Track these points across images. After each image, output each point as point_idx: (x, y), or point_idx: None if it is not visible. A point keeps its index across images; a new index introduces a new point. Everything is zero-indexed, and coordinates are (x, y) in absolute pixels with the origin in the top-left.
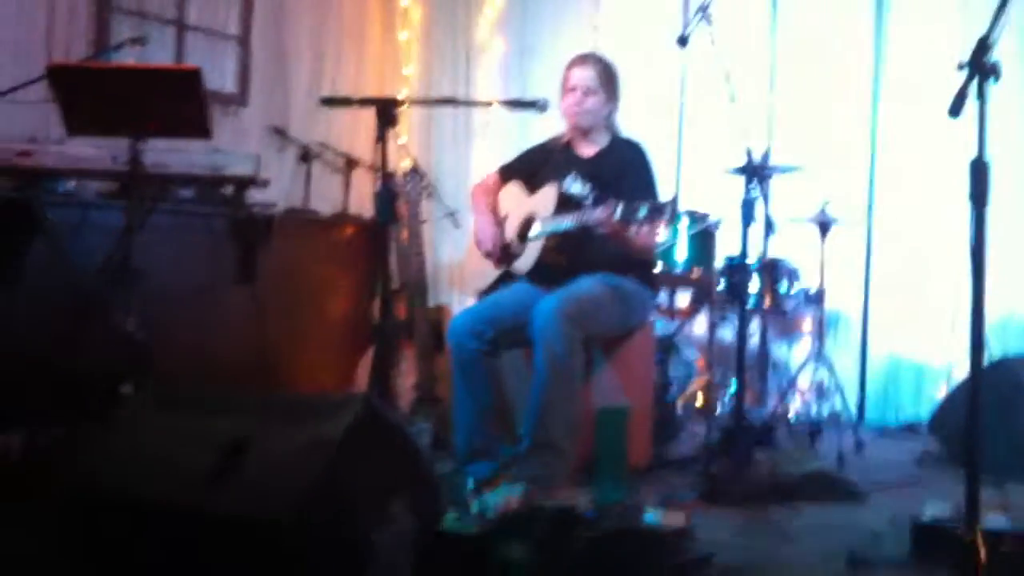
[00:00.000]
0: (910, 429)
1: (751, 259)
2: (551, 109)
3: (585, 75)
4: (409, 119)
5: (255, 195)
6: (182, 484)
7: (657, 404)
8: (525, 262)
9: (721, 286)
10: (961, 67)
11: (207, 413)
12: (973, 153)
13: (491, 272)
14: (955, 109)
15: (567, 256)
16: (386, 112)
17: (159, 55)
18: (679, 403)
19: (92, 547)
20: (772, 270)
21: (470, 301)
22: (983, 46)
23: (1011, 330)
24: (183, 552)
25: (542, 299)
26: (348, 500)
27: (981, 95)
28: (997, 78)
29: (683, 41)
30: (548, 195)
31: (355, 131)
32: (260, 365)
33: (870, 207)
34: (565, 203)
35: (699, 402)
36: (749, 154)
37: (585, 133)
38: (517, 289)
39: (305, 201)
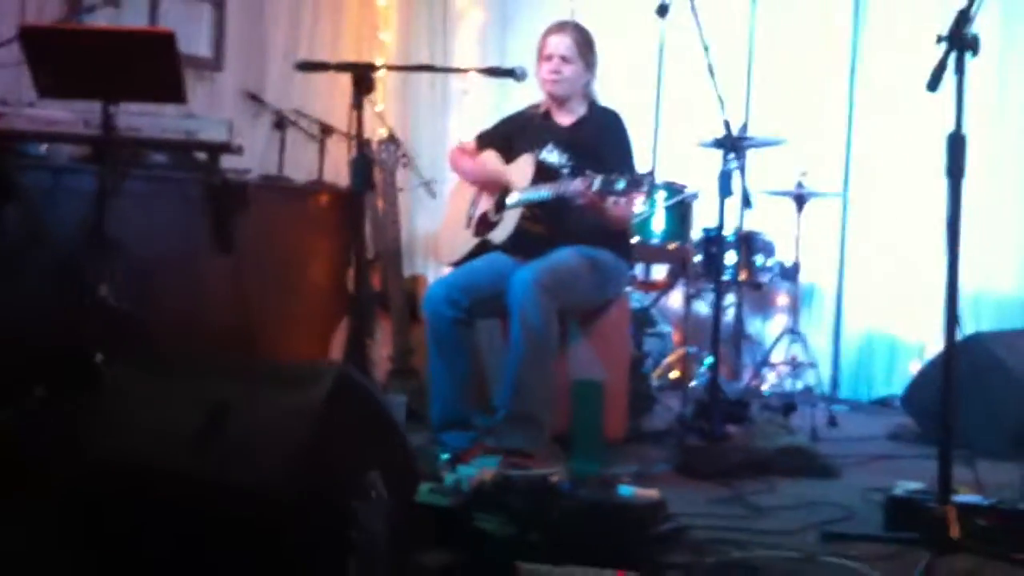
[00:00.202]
0: (883, 404)
1: (728, 232)
2: (529, 78)
3: (562, 43)
4: (386, 87)
5: (229, 162)
6: (164, 449)
7: (632, 377)
8: (502, 233)
9: (698, 258)
10: (940, 40)
11: (188, 378)
12: (950, 127)
13: (466, 243)
14: (933, 83)
15: (544, 226)
16: (362, 78)
17: (133, 18)
18: (654, 376)
19: (74, 514)
20: (748, 243)
21: (446, 271)
22: (962, 19)
23: (985, 306)
24: (164, 517)
25: (518, 269)
26: (329, 469)
27: (959, 69)
28: (976, 52)
29: (662, 11)
30: (525, 164)
31: (331, 97)
32: (234, 333)
33: (846, 181)
34: (542, 173)
35: (674, 375)
36: (727, 126)
37: (562, 102)
38: (493, 259)
39: (280, 168)
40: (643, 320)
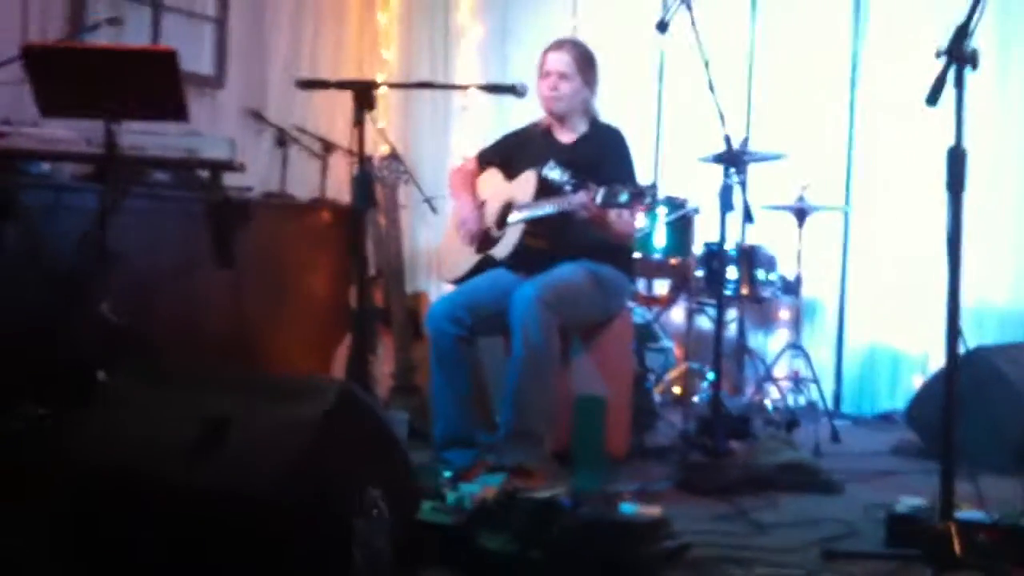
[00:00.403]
0: (886, 419)
1: (729, 246)
2: (529, 94)
3: (560, 60)
4: (387, 103)
5: (232, 179)
6: (166, 462)
7: (635, 393)
8: (504, 249)
9: (700, 273)
10: (939, 55)
11: (189, 391)
12: (950, 141)
13: (468, 260)
14: (932, 97)
15: (546, 242)
16: (363, 95)
17: (135, 36)
18: (656, 392)
19: (75, 525)
20: (750, 257)
21: (448, 288)
22: (961, 34)
23: (987, 318)
24: (165, 530)
25: (520, 286)
26: (328, 485)
27: (959, 83)
28: (975, 66)
29: (662, 27)
30: (527, 181)
31: (333, 115)
32: (236, 350)
33: (847, 195)
34: (544, 189)
35: (676, 391)
36: (728, 141)
37: (562, 119)
38: (496, 275)
39: (282, 185)
40: (645, 335)
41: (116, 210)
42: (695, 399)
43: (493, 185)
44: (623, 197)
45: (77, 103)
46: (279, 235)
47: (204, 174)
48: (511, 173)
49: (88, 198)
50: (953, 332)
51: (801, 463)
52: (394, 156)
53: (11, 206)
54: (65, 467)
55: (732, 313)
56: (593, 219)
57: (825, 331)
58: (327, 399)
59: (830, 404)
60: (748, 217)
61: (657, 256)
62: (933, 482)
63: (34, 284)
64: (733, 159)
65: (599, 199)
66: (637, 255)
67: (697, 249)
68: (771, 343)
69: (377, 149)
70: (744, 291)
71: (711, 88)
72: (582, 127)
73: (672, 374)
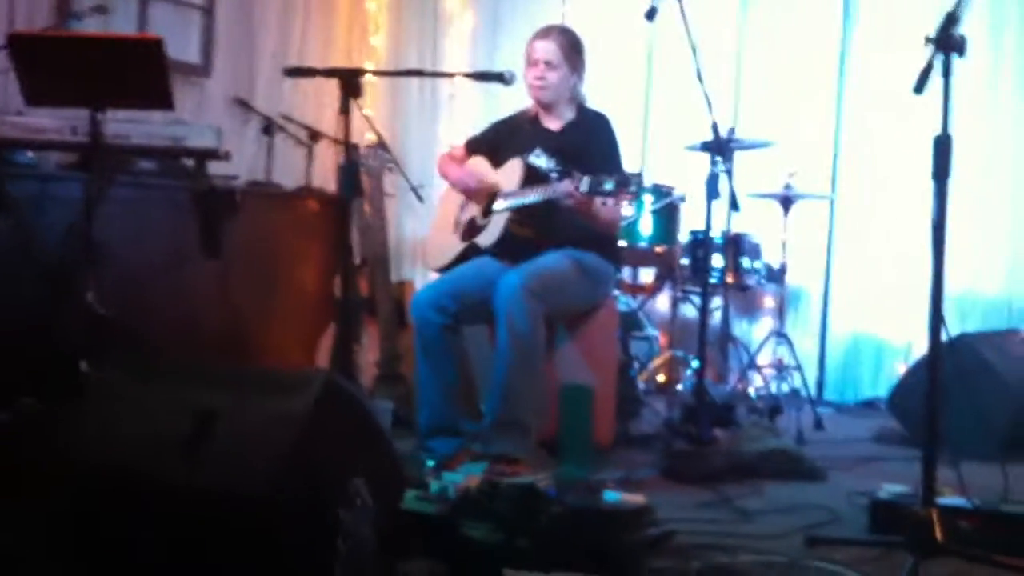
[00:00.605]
0: (869, 406)
1: (715, 234)
2: (517, 81)
3: (547, 48)
4: (375, 92)
5: (218, 167)
6: (152, 455)
7: (619, 381)
8: (489, 237)
9: (686, 261)
10: (927, 42)
11: (175, 384)
12: (937, 129)
13: (453, 248)
14: (919, 86)
15: (532, 230)
16: (350, 83)
17: (122, 24)
18: (641, 380)
19: (64, 519)
20: (735, 246)
21: (433, 276)
22: (949, 20)
23: (971, 306)
24: (153, 523)
25: (505, 274)
26: (316, 476)
27: (946, 71)
28: (962, 53)
29: (651, 14)
30: (513, 169)
31: (321, 103)
32: (222, 340)
33: (833, 183)
34: (530, 177)
35: (661, 379)
36: (715, 129)
37: (549, 106)
38: (481, 264)
39: (268, 174)
40: (630, 323)
41: (101, 199)
42: (679, 387)
43: (480, 172)
44: (608, 185)
45: (62, 92)
46: (265, 224)
47: (190, 163)
48: (498, 161)
49: (73, 187)
50: (936, 319)
51: (784, 450)
52: (381, 145)
53: None
54: (50, 461)
55: (717, 301)
56: (578, 207)
57: (809, 319)
58: (312, 391)
59: (813, 392)
60: (734, 205)
61: (643, 244)
62: (915, 469)
63: (20, 275)
64: (720, 147)
65: (584, 187)
66: (623, 243)
67: (683, 237)
68: (756, 331)
69: (364, 137)
70: (729, 279)
71: (699, 76)
72: (569, 114)
73: (656, 362)
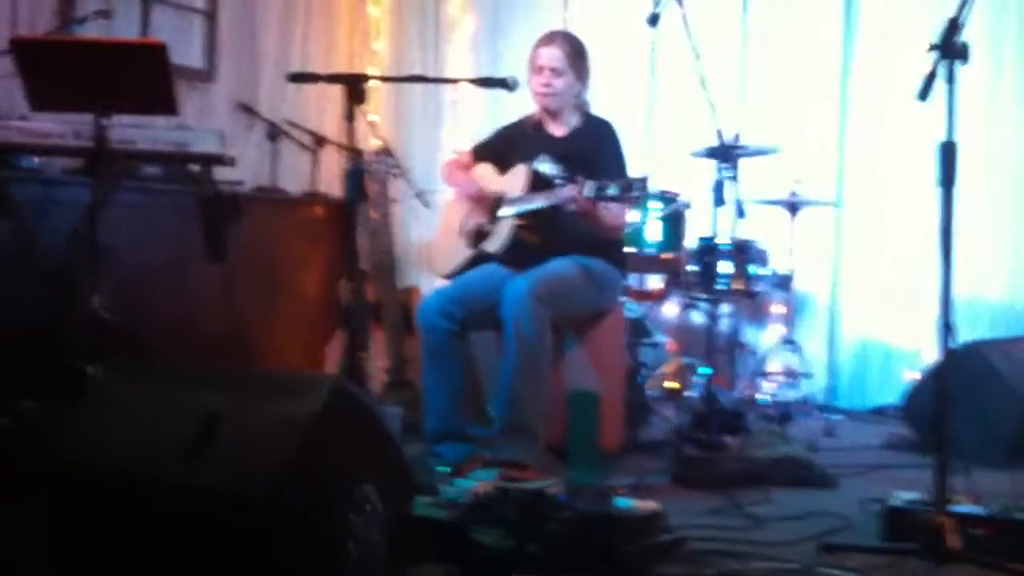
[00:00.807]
0: (879, 413)
1: (722, 241)
2: (522, 86)
3: (552, 55)
4: (379, 97)
5: (223, 172)
6: (158, 459)
7: (628, 387)
8: (495, 243)
9: (693, 268)
10: (931, 49)
11: (181, 387)
12: (942, 135)
13: (460, 254)
14: (923, 92)
15: (538, 236)
16: (354, 89)
17: (125, 29)
18: (650, 386)
19: (67, 523)
20: (742, 252)
21: (439, 282)
22: (952, 27)
23: (979, 313)
24: (159, 527)
25: (512, 280)
26: (322, 481)
27: (950, 78)
28: (966, 60)
29: (653, 20)
30: (519, 174)
31: (324, 108)
32: (228, 344)
33: (840, 189)
34: (536, 183)
35: (670, 385)
36: (720, 135)
37: (554, 113)
38: (487, 270)
39: (273, 179)
40: (638, 330)
41: (106, 204)
42: (688, 394)
43: (486, 179)
44: (612, 191)
45: (67, 97)
46: (270, 229)
47: (195, 168)
48: (503, 167)
49: (78, 192)
50: (945, 327)
51: (795, 457)
52: (386, 150)
53: (2, 201)
54: (57, 464)
55: (725, 308)
56: (582, 213)
57: (818, 326)
58: (321, 395)
59: (823, 399)
60: (740, 212)
61: (649, 251)
62: (927, 476)
63: (24, 279)
64: (725, 153)
65: (588, 192)
66: (630, 250)
67: (689, 244)
68: (764, 338)
69: (369, 143)
70: (737, 286)
71: (702, 83)
72: (574, 120)
73: (665, 368)
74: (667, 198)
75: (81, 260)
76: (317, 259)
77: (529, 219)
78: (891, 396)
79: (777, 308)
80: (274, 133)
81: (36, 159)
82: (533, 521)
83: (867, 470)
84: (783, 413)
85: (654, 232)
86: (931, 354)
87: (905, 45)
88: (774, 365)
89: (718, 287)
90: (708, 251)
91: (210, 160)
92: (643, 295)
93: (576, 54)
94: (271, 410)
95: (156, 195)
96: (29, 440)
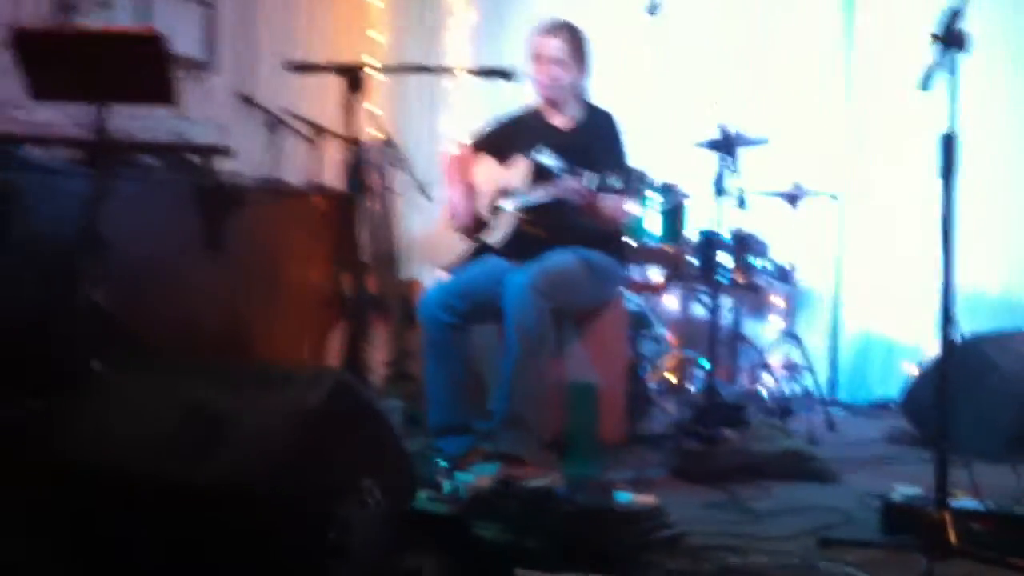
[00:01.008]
0: (880, 407)
1: (723, 233)
2: (520, 77)
3: (555, 45)
4: (377, 87)
5: (223, 163)
6: (158, 454)
7: (629, 380)
8: (497, 235)
9: (694, 260)
10: (933, 38)
11: (181, 381)
12: (944, 127)
13: (462, 246)
14: (925, 82)
15: (540, 229)
16: (353, 79)
17: (124, 18)
18: (651, 379)
19: (65, 517)
20: (744, 245)
21: (440, 275)
22: (953, 16)
23: (980, 306)
24: (160, 523)
25: (513, 273)
26: (325, 475)
27: (952, 68)
28: (967, 49)
29: (653, 9)
30: (521, 166)
31: (325, 98)
32: (228, 337)
33: (842, 182)
34: (538, 176)
35: (671, 378)
36: (723, 128)
37: (557, 104)
38: (489, 263)
39: (273, 170)
40: (639, 322)
41: (106, 195)
42: (689, 387)
43: (487, 171)
44: (613, 183)
45: (67, 87)
46: (270, 221)
47: (195, 159)
48: (505, 158)
49: (78, 183)
50: (946, 320)
51: (796, 451)
52: (387, 142)
53: (1, 191)
54: (54, 458)
55: (726, 301)
56: (584, 204)
57: (819, 319)
58: (323, 389)
59: (824, 392)
60: (741, 203)
61: (650, 243)
62: (927, 470)
63: (24, 271)
64: (727, 145)
65: (591, 184)
66: (631, 242)
67: (691, 235)
68: (765, 331)
69: (370, 134)
70: (738, 278)
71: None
72: (575, 111)
73: (666, 361)
74: (667, 190)
75: (82, 251)
76: (317, 251)
77: (533, 211)
78: (892, 390)
79: (778, 301)
80: (273, 123)
81: (36, 149)
82: (533, 516)
83: (867, 464)
84: (784, 407)
85: (654, 224)
86: (931, 348)
87: (909, 35)
88: (775, 358)
89: (718, 279)
90: (709, 243)
91: (209, 151)
92: (644, 287)
93: (577, 44)
94: (273, 404)
95: (156, 186)
96: (27, 436)
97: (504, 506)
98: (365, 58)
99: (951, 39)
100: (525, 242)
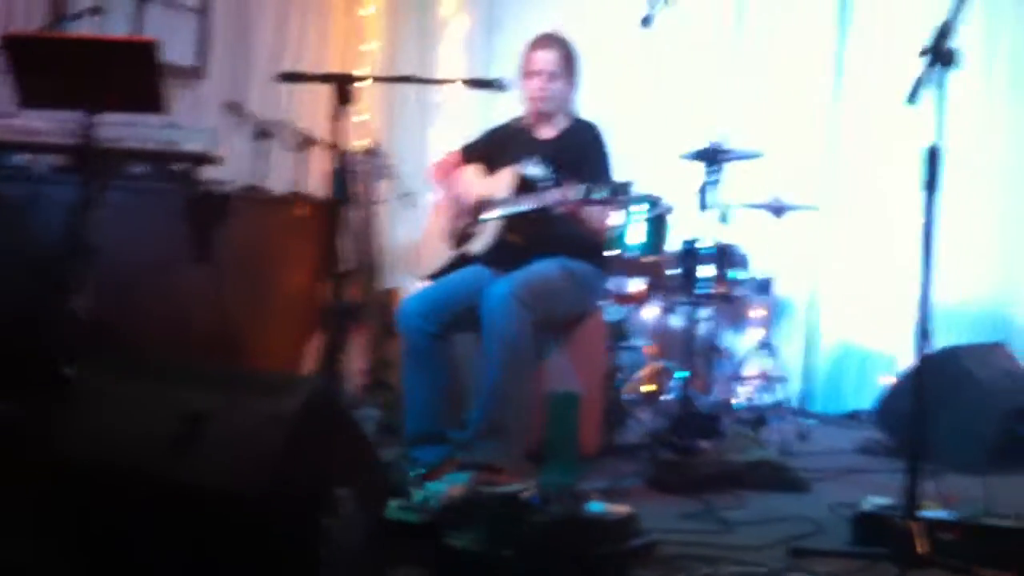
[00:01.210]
0: (852, 418)
1: (704, 245)
2: (510, 87)
3: (548, 59)
4: (370, 96)
5: (212, 172)
6: (144, 456)
7: (606, 390)
8: (481, 244)
9: (675, 271)
10: (923, 53)
11: (166, 384)
12: (928, 141)
13: (446, 255)
14: (912, 96)
15: (523, 238)
16: (343, 89)
17: (117, 25)
18: (627, 390)
19: (53, 517)
20: (724, 256)
21: (421, 284)
22: (944, 32)
23: (958, 319)
24: (146, 524)
25: (494, 282)
26: (298, 481)
27: (940, 83)
28: (957, 65)
29: (646, 21)
30: (506, 176)
31: (315, 107)
32: (213, 342)
33: (823, 195)
34: (524, 185)
35: (647, 389)
36: (714, 143)
37: (547, 116)
38: (470, 272)
39: (261, 179)
40: (617, 333)
41: (94, 202)
42: (665, 397)
43: (472, 179)
44: (599, 193)
45: (56, 94)
46: (255, 228)
47: (183, 166)
48: (492, 168)
49: (66, 190)
50: (923, 331)
51: (769, 461)
52: (373, 150)
53: None
54: (40, 462)
55: (704, 312)
56: (570, 213)
57: (796, 330)
58: (300, 395)
59: (798, 403)
60: (723, 219)
61: (632, 254)
62: (899, 481)
63: (11, 275)
64: (712, 157)
65: (576, 195)
66: (612, 252)
67: (673, 247)
68: (743, 341)
69: (357, 143)
70: (717, 290)
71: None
72: (562, 123)
73: (643, 372)
74: (650, 201)
75: (69, 258)
76: (300, 259)
77: (516, 221)
78: (866, 401)
79: (757, 312)
80: (264, 132)
81: (24, 156)
82: (506, 525)
83: (840, 474)
84: (758, 417)
85: (637, 235)
86: (907, 360)
87: (898, 49)
88: (751, 369)
89: (699, 291)
90: (690, 255)
91: (198, 159)
92: (624, 298)
93: (570, 58)
94: (251, 410)
95: (143, 193)
96: (11, 438)
97: (476, 515)
98: (356, 72)
99: (941, 55)
100: (507, 251)
